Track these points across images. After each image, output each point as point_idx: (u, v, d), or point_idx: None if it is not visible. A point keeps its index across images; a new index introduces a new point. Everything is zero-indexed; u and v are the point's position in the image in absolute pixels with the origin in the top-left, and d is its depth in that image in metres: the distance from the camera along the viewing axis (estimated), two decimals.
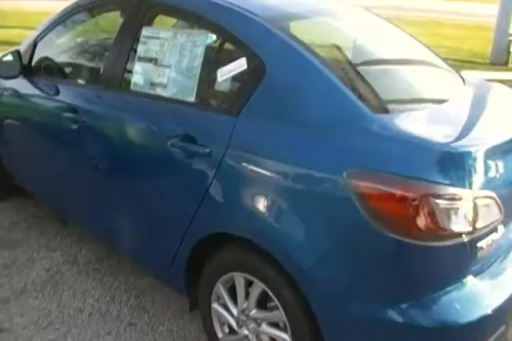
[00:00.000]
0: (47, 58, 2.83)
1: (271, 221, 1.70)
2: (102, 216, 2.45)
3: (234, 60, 1.88)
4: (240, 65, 1.84)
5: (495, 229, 1.63)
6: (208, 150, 1.85)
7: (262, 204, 1.73)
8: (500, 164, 1.64)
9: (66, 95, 2.54)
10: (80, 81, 2.75)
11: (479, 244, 1.58)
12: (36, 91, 2.73)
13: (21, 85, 2.78)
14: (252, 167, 1.75)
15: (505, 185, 1.67)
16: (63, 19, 2.69)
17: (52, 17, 2.73)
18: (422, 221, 1.47)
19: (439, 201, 1.47)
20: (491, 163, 1.61)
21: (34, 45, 2.77)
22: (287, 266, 1.69)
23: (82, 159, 2.42)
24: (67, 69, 2.85)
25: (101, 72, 2.42)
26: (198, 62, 1.99)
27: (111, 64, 2.34)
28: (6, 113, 2.98)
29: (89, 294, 2.52)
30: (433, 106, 1.94)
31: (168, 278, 2.20)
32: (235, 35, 1.90)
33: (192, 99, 2.00)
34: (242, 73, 1.87)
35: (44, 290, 2.53)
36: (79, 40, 3.08)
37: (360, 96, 1.71)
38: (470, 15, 14.12)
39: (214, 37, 2.00)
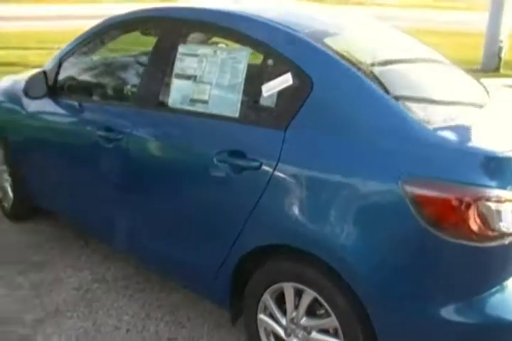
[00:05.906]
0: (74, 78, 2.85)
1: (327, 231, 1.76)
2: (140, 233, 2.46)
3: (278, 75, 1.93)
4: (286, 80, 1.90)
5: None
6: (257, 163, 1.91)
7: (316, 215, 1.79)
8: None
9: (98, 114, 2.57)
10: (112, 100, 2.76)
11: None
12: (64, 112, 2.75)
13: (47, 106, 2.78)
14: (304, 179, 1.83)
15: None
16: (91, 38, 2.71)
17: (78, 36, 2.74)
18: (475, 223, 1.57)
19: (489, 203, 1.57)
20: None
21: (59, 65, 2.77)
22: (344, 274, 1.75)
23: (116, 176, 2.45)
24: (97, 89, 2.84)
25: (135, 89, 2.46)
26: (241, 78, 2.04)
27: (146, 82, 2.39)
28: (30, 134, 2.95)
29: (124, 312, 2.54)
30: (471, 114, 2.05)
31: (211, 291, 2.23)
32: (279, 52, 1.96)
33: (236, 114, 2.04)
34: (287, 88, 1.92)
35: (78, 310, 2.54)
36: (107, 59, 3.09)
37: (406, 107, 1.79)
38: (451, 22, 14.51)
39: (256, 53, 2.06)
